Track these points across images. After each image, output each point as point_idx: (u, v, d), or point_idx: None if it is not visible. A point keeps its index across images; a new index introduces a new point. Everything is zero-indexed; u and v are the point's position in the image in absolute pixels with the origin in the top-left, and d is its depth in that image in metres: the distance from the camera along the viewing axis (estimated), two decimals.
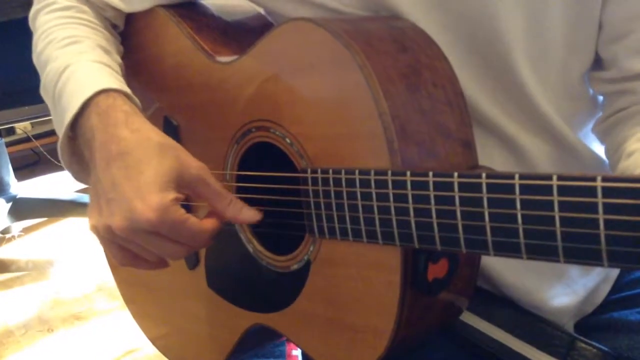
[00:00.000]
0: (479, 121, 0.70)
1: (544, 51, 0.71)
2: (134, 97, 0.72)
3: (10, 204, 2.43)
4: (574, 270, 0.76)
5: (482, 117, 0.70)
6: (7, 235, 2.50)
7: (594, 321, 0.78)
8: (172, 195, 0.63)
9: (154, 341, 1.01)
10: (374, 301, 0.62)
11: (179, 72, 0.83)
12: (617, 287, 0.80)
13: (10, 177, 2.53)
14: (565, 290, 0.75)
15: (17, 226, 2.55)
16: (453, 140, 0.61)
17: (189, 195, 0.68)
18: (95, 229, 0.67)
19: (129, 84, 0.76)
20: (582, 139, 0.76)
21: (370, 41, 0.61)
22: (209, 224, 0.67)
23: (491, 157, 0.71)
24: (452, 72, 0.64)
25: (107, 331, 1.90)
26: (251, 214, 0.69)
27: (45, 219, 2.65)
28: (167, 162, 0.64)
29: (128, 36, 0.88)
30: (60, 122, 0.72)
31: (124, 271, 1.01)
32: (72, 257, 2.39)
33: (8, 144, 2.77)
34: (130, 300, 1.03)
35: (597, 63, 0.75)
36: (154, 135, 0.67)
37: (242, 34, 0.84)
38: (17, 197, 2.49)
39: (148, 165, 0.64)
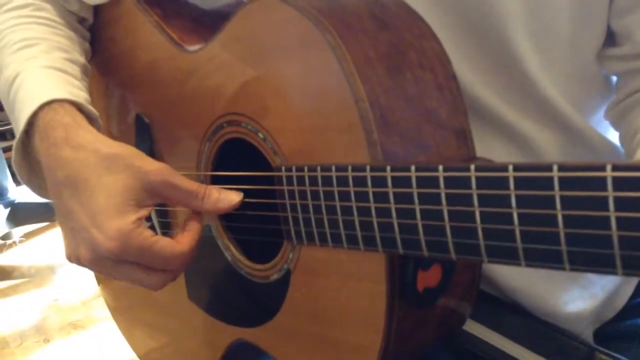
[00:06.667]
0: (476, 110, 0.64)
1: (548, 26, 0.64)
2: (83, 104, 0.65)
3: (8, 209, 2.43)
4: None
5: (479, 105, 0.64)
6: (8, 242, 2.49)
7: (615, 328, 0.72)
8: (132, 217, 0.57)
9: (142, 358, 0.96)
10: (359, 314, 0.56)
11: (148, 66, 0.77)
12: None
13: (9, 182, 2.54)
14: (582, 293, 0.70)
15: (18, 232, 2.54)
16: (444, 129, 0.54)
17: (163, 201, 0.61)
18: (69, 259, 0.62)
19: (101, 83, 0.70)
20: (594, 125, 0.70)
21: (345, 18, 0.54)
22: (184, 242, 0.60)
23: (492, 150, 0.65)
24: (442, 53, 0.57)
25: (105, 339, 1.87)
26: (230, 199, 0.61)
27: (46, 223, 2.64)
28: (119, 177, 0.57)
29: (98, 30, 0.83)
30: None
31: (109, 285, 0.98)
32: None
33: (5, 149, 2.78)
34: (117, 314, 0.99)
35: (609, 39, 0.68)
36: (101, 147, 0.60)
37: (217, 20, 0.77)
38: (16, 202, 2.49)
39: (99, 186, 0.57)
